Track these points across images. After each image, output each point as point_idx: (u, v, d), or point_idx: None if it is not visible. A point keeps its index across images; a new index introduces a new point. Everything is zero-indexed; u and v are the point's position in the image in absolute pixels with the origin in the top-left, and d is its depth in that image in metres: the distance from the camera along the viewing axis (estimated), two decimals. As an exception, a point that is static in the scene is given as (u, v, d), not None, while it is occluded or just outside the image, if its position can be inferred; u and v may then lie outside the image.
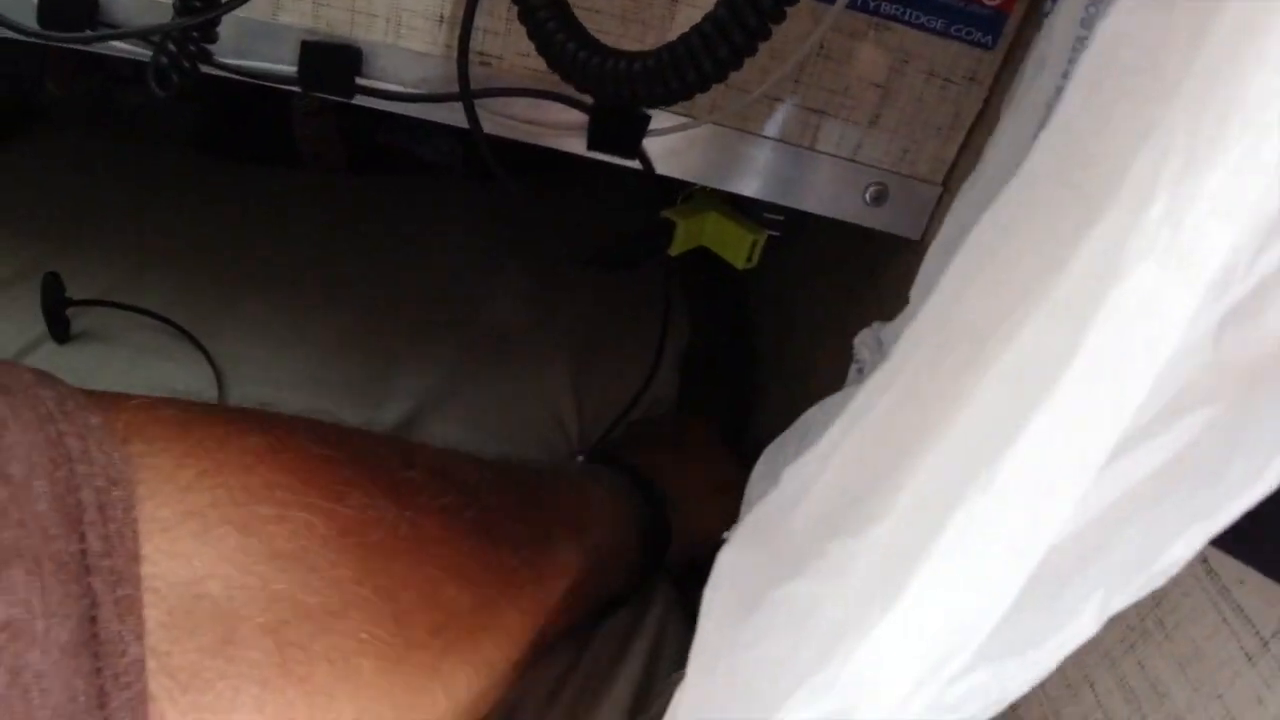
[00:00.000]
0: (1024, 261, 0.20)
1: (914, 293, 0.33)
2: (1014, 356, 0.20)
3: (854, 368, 0.36)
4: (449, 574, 0.44)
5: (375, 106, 0.53)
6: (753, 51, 0.38)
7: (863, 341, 0.35)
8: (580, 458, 0.74)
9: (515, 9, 0.45)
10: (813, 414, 0.36)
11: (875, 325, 0.35)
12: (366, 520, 0.40)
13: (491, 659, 0.46)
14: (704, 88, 0.39)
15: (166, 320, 0.78)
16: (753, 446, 0.71)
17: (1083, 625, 0.25)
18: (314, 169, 1.07)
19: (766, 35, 0.37)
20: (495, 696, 0.48)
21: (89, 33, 0.52)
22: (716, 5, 0.37)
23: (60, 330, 0.75)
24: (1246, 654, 0.32)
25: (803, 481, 0.26)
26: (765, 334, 0.90)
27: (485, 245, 0.97)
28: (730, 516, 0.64)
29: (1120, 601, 0.24)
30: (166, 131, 1.08)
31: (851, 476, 0.24)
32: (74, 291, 0.76)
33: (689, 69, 0.38)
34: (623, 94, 0.40)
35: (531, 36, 0.43)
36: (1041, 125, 0.23)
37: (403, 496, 0.43)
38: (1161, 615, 0.37)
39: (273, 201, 1.01)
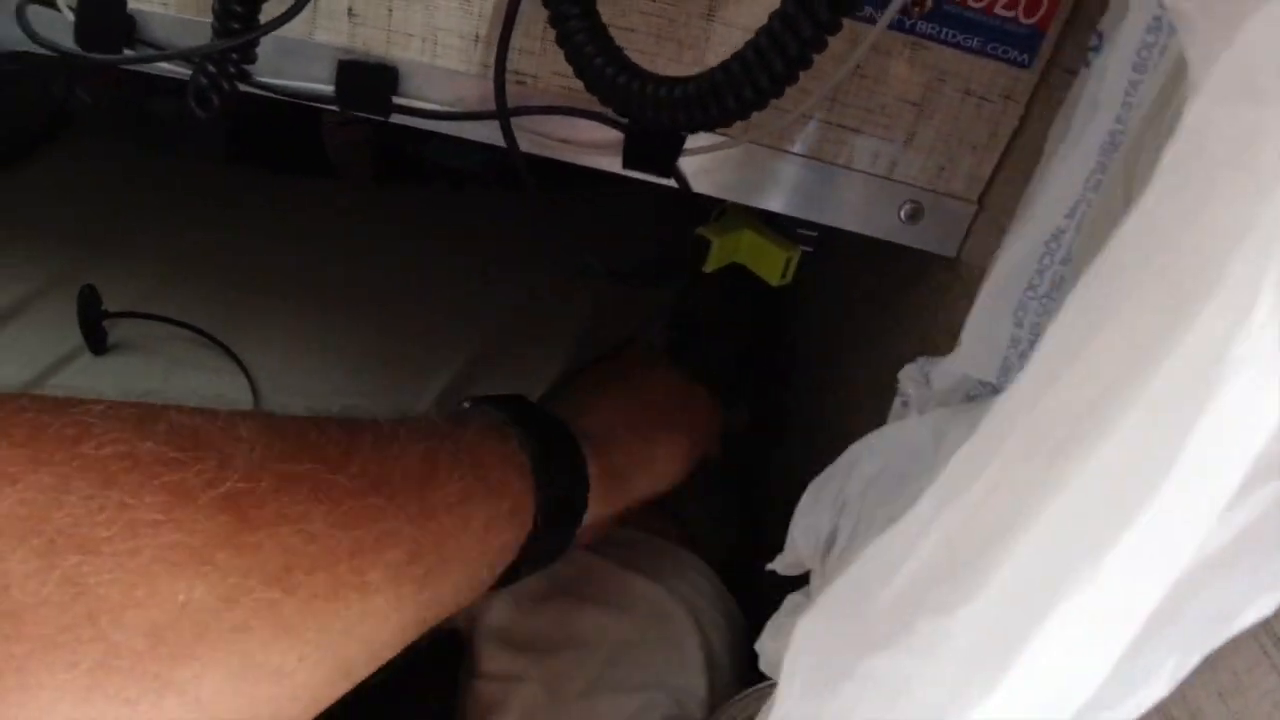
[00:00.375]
0: (1116, 353, 0.20)
1: (967, 334, 0.32)
2: (1113, 452, 0.20)
3: (898, 401, 0.36)
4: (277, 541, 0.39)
5: (412, 125, 0.52)
6: (795, 79, 0.37)
7: (908, 376, 0.35)
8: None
9: (550, 30, 0.44)
10: (859, 450, 0.35)
11: (922, 361, 0.34)
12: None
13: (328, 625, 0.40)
14: (744, 115, 0.39)
15: (201, 331, 0.78)
16: (785, 452, 0.72)
17: (1156, 688, 0.25)
18: (344, 179, 1.07)
19: (809, 64, 0.36)
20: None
21: (128, 53, 0.52)
22: (759, 33, 0.37)
23: (97, 341, 0.75)
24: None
25: (891, 557, 0.25)
26: (788, 343, 0.89)
27: (515, 255, 0.97)
28: (675, 443, 0.63)
29: (1190, 663, 0.24)
30: (197, 141, 1.07)
31: (943, 556, 0.24)
32: (109, 303, 0.76)
33: (730, 96, 0.37)
34: (662, 119, 0.40)
35: (570, 60, 0.43)
36: (1098, 169, 0.22)
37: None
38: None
39: (304, 212, 1.00)
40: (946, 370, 0.33)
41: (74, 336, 0.75)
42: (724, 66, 0.38)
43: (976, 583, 0.23)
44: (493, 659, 0.58)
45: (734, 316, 0.83)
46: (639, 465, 0.61)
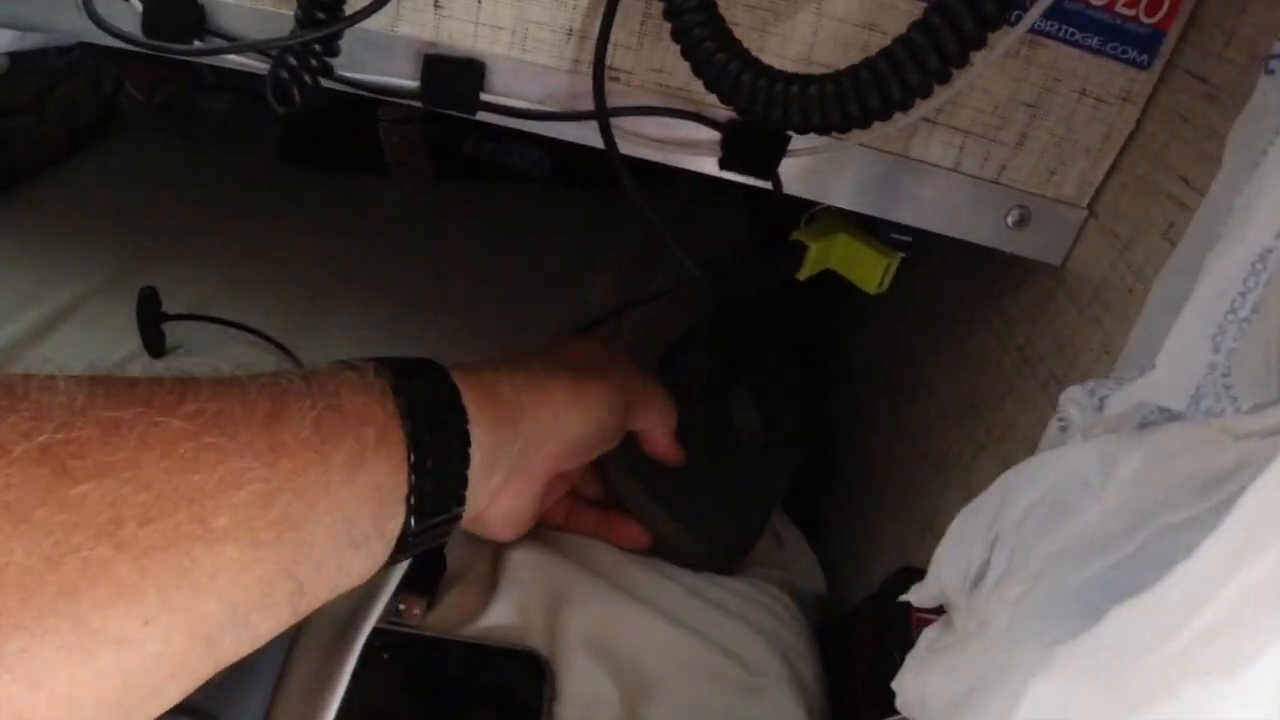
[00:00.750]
0: None
1: (1162, 359, 0.29)
2: None
3: (1057, 425, 0.33)
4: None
5: (499, 123, 0.49)
6: (948, 80, 0.34)
7: (1072, 399, 0.32)
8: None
9: (647, 24, 0.41)
10: (1014, 479, 0.32)
11: (1092, 384, 0.31)
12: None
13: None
14: (886, 116, 0.35)
15: (260, 334, 0.76)
16: (858, 468, 0.68)
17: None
18: (401, 178, 1.05)
19: (965, 63, 0.33)
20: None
21: (199, 45, 0.49)
22: (910, 28, 0.33)
23: (156, 344, 0.73)
24: None
25: (1163, 616, 0.22)
26: (862, 351, 0.86)
27: (575, 254, 0.95)
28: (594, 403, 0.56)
29: None
30: (250, 139, 1.06)
31: (1228, 615, 0.21)
32: (166, 304, 0.74)
33: (875, 95, 0.34)
34: (792, 120, 0.36)
35: (687, 55, 0.39)
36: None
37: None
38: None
39: (361, 211, 0.99)
40: (1126, 396, 0.30)
41: (132, 337, 0.73)
42: (869, 64, 0.34)
43: (1262, 643, 0.20)
44: (574, 677, 0.55)
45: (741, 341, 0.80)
46: (532, 395, 0.53)
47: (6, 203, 0.93)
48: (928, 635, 0.36)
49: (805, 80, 0.36)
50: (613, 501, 0.65)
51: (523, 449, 0.52)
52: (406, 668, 0.53)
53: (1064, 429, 0.33)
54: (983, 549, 0.33)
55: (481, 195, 1.05)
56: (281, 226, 0.94)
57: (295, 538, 0.39)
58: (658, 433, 0.63)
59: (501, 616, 0.57)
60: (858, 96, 0.34)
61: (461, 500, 0.48)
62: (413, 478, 0.44)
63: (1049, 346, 0.53)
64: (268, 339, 0.76)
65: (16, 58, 0.98)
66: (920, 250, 0.56)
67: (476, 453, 0.48)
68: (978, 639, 0.33)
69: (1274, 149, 0.29)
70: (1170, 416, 0.30)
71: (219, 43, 0.49)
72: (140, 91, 1.09)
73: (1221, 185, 0.33)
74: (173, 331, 0.75)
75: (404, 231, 0.96)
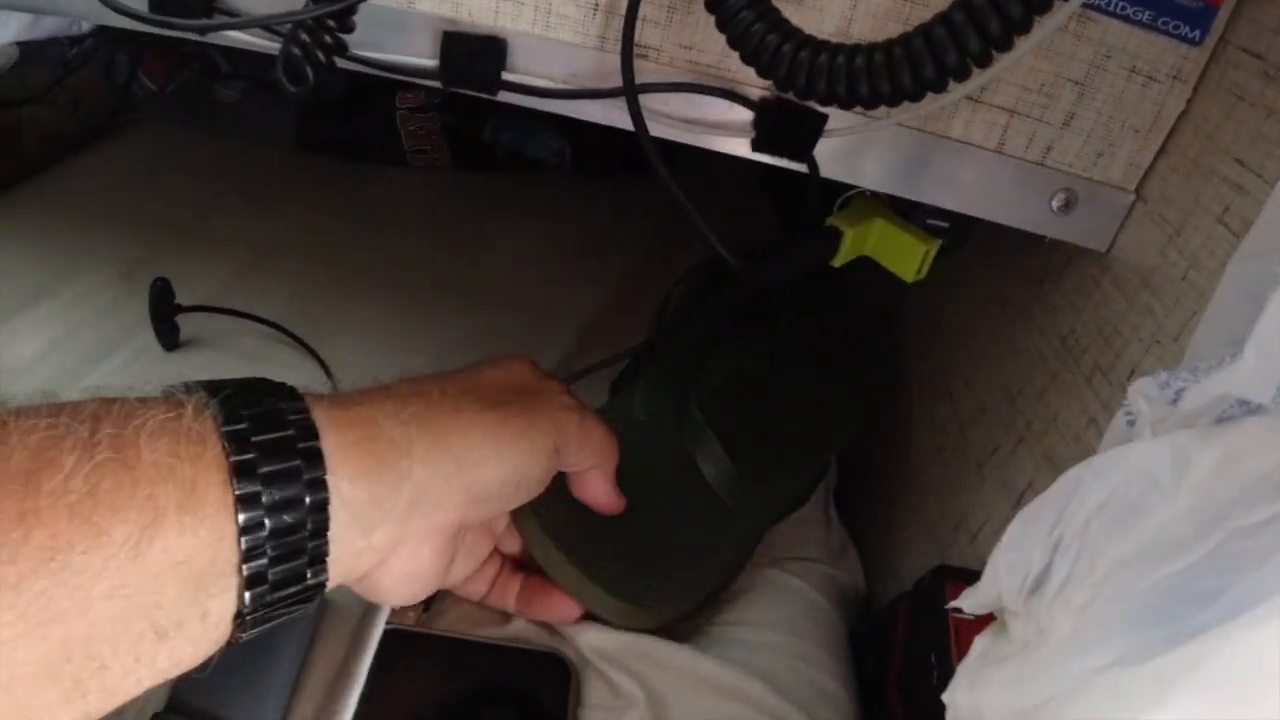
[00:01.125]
0: None
1: (1251, 348, 0.26)
2: None
3: (1124, 419, 0.30)
4: None
5: (522, 104, 0.47)
6: (1009, 47, 0.31)
7: (1142, 392, 0.29)
8: None
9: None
10: (1078, 475, 0.30)
11: (1164, 375, 0.29)
12: None
13: None
14: (941, 87, 0.33)
15: (276, 326, 0.74)
16: (893, 462, 0.66)
17: None
18: (418, 166, 1.04)
19: (1028, 29, 0.31)
20: None
21: (206, 21, 0.47)
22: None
23: (169, 337, 0.72)
24: None
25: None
26: (897, 337, 0.83)
27: (596, 242, 0.93)
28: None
29: None
30: (266, 128, 1.05)
31: None
32: (180, 295, 0.72)
33: (927, 65, 0.31)
34: (837, 92, 0.34)
35: (723, 26, 0.37)
36: None
37: None
38: None
39: (378, 200, 0.98)
40: (1206, 388, 0.27)
41: (145, 329, 0.72)
42: (924, 30, 0.32)
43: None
44: (599, 685, 0.52)
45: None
46: (428, 433, 0.42)
47: (17, 195, 0.93)
48: (981, 644, 0.34)
49: (853, 50, 0.34)
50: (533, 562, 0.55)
51: (414, 500, 0.41)
52: (432, 669, 0.51)
53: (1131, 423, 0.30)
54: (1044, 552, 0.31)
55: (500, 183, 1.04)
56: (296, 216, 0.93)
57: (60, 632, 0.31)
58: (592, 477, 0.53)
59: (524, 625, 0.54)
60: (910, 66, 0.32)
61: (322, 567, 0.39)
62: (243, 544, 0.35)
63: (1093, 337, 0.51)
64: (282, 330, 0.75)
65: (27, 47, 0.98)
66: (958, 236, 0.54)
67: (341, 510, 0.38)
68: (1038, 649, 0.30)
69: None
70: (1250, 410, 0.28)
71: (231, 19, 0.46)
72: (153, 81, 1.08)
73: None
74: (186, 324, 0.74)
75: (422, 222, 0.96)
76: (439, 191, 1.02)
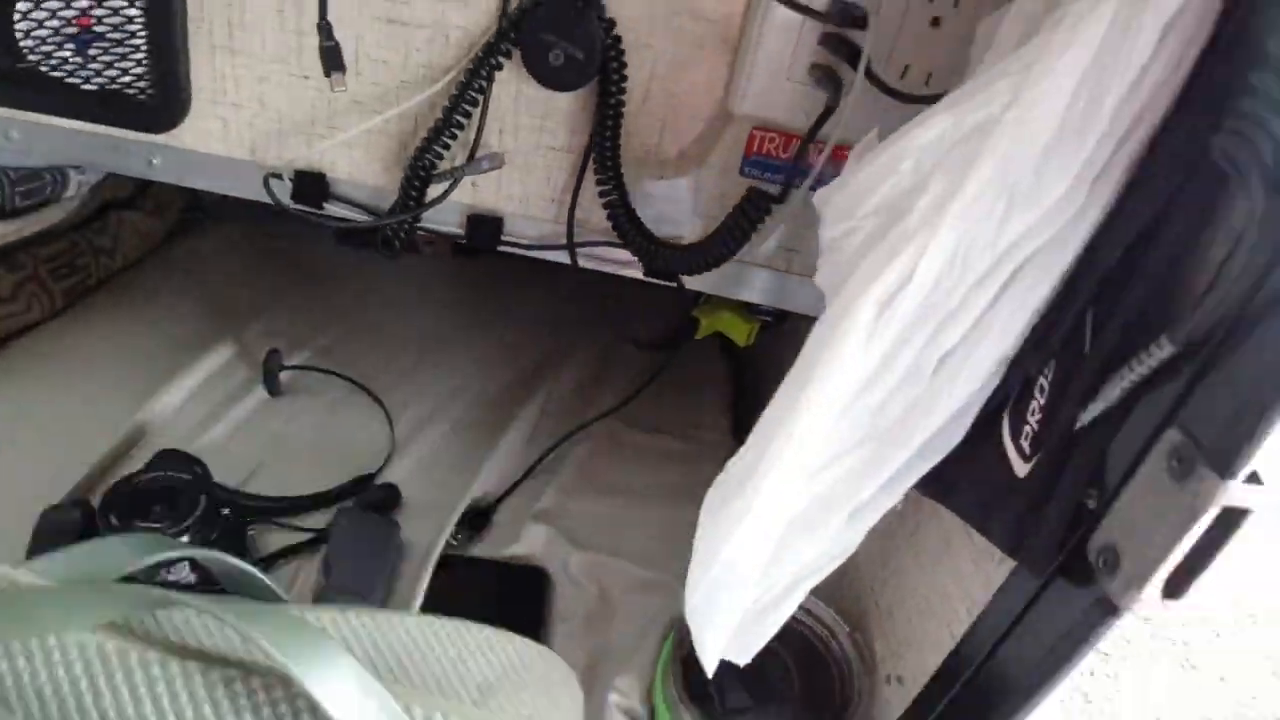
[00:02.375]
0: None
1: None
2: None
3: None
4: None
5: (512, 253, 0.80)
6: (748, 239, 0.66)
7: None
8: None
9: (599, 195, 0.73)
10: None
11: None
12: None
13: None
14: (718, 264, 0.67)
15: (352, 380, 1.05)
16: None
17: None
18: (427, 255, 1.36)
19: (753, 231, 0.65)
20: None
21: (327, 210, 0.80)
22: (727, 218, 0.65)
23: (274, 387, 1.02)
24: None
25: None
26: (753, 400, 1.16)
27: (560, 319, 1.26)
28: None
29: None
30: (312, 226, 1.33)
31: None
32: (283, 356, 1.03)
33: (706, 257, 0.66)
34: (666, 266, 0.68)
35: (609, 220, 0.71)
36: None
37: None
38: None
39: (403, 282, 1.29)
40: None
41: (256, 381, 1.02)
42: (705, 243, 0.67)
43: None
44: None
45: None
46: None
47: (122, 285, 1.17)
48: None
49: (672, 247, 0.69)
50: None
51: None
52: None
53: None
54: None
55: (493, 266, 1.33)
56: (347, 295, 1.23)
57: None
58: None
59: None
60: (703, 256, 0.66)
61: None
62: None
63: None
64: (356, 384, 1.05)
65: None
66: (779, 317, 0.87)
67: None
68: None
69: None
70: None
71: (355, 214, 0.79)
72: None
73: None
74: (286, 378, 1.03)
75: (436, 297, 1.27)
76: (445, 273, 1.34)
